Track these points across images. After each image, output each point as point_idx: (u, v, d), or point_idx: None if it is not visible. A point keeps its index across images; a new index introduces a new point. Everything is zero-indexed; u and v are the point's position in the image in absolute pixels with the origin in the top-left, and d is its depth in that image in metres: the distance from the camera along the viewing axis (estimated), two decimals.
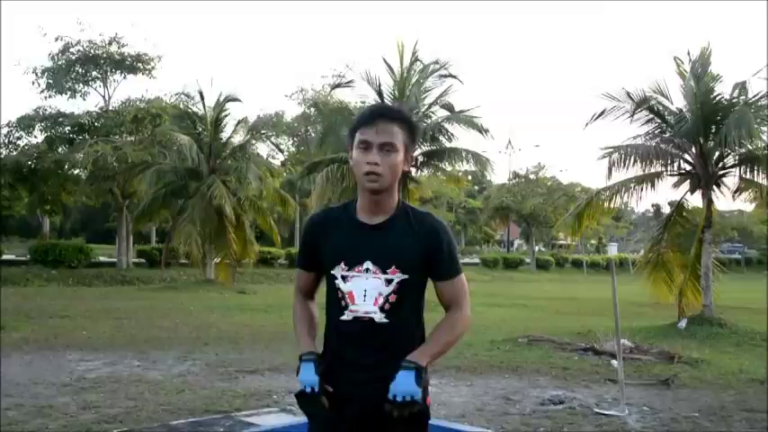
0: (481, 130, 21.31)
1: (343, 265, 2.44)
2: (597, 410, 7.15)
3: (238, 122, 29.62)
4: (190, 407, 6.94)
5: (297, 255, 2.76)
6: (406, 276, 2.41)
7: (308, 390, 2.41)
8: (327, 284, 2.52)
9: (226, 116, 28.74)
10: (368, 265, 2.41)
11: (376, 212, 2.46)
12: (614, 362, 9.45)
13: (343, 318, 2.44)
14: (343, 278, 2.44)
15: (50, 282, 26.49)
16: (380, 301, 2.40)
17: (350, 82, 22.71)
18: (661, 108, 16.47)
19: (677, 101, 16.38)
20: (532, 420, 6.72)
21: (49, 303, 18.62)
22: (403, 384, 2.28)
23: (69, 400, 7.14)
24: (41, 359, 9.72)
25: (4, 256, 30.49)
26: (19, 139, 32.88)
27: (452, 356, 10.59)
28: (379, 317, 2.40)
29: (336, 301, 2.47)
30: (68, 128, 32.49)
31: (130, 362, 9.65)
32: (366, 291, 2.41)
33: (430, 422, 2.50)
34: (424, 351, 2.40)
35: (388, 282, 2.40)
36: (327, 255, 2.49)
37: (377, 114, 2.44)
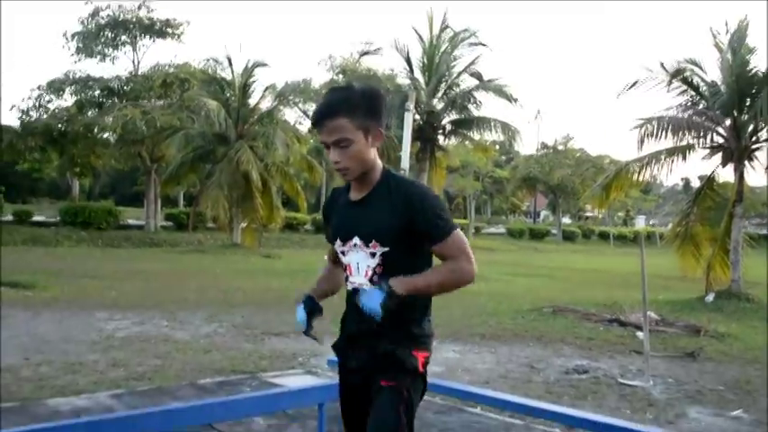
0: (510, 99, 21.18)
1: (339, 241, 2.58)
2: (621, 381, 7.13)
3: (266, 88, 29.61)
4: (217, 366, 7.03)
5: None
6: (387, 249, 2.46)
7: (300, 327, 2.61)
8: None
9: (254, 82, 28.80)
10: (356, 240, 2.51)
11: (360, 190, 2.54)
12: (640, 333, 9.41)
13: (348, 288, 2.59)
14: (342, 252, 2.57)
15: (80, 243, 26.85)
16: (369, 273, 2.49)
17: (378, 49, 22.65)
18: (695, 80, 16.23)
19: (712, 73, 16.14)
20: (556, 388, 6.73)
21: (79, 264, 18.90)
22: (368, 299, 2.38)
23: (99, 357, 7.26)
24: (71, 317, 9.86)
25: (35, 218, 30.92)
26: (49, 102, 33.13)
27: (477, 324, 10.64)
28: (369, 287, 2.49)
29: (343, 273, 2.63)
30: (98, 92, 32.69)
31: (158, 322, 9.78)
32: (358, 263, 2.52)
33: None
34: (406, 281, 2.40)
35: (372, 255, 2.48)
36: (331, 232, 2.65)
37: (319, 116, 2.45)
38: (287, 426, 4.97)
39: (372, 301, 2.36)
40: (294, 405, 4.93)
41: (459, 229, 2.50)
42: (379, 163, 2.54)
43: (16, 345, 7.69)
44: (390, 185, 2.49)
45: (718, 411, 6.11)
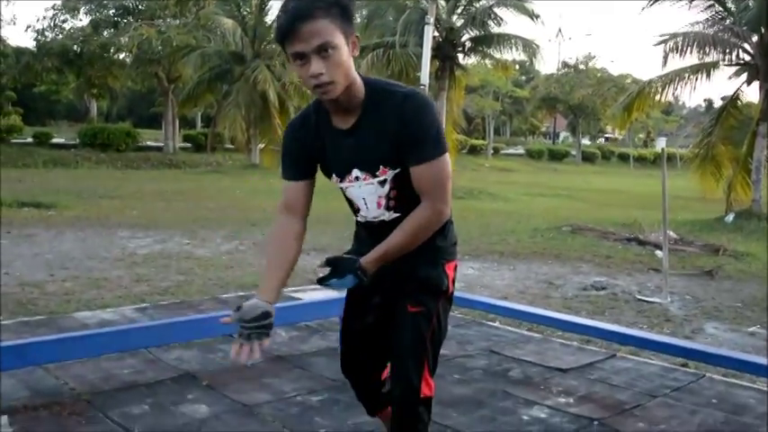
0: (531, 16, 20.75)
1: (335, 176, 2.30)
2: (639, 297, 7.18)
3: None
4: (238, 282, 7.13)
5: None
6: (398, 170, 2.19)
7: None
8: None
9: None
10: (356, 173, 2.23)
11: (346, 114, 2.19)
12: (658, 252, 9.43)
13: (359, 219, 2.39)
14: (342, 189, 2.32)
15: (99, 164, 27.02)
16: (383, 202, 2.26)
17: None
18: None
19: None
20: (574, 304, 6.78)
21: (99, 185, 19.07)
22: (340, 286, 2.22)
23: (123, 273, 7.38)
24: (94, 236, 9.99)
25: (54, 140, 31.06)
26: (64, 22, 32.87)
27: (495, 242, 10.71)
28: (388, 216, 2.28)
29: (347, 203, 2.40)
30: (112, 11, 32.35)
31: (180, 240, 9.89)
32: (365, 198, 2.27)
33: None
34: (374, 256, 2.20)
35: (382, 183, 2.22)
36: (321, 165, 2.33)
37: (295, 19, 1.99)
38: (308, 337, 5.06)
39: (344, 286, 2.22)
40: (315, 317, 5.03)
41: (447, 155, 2.18)
42: (358, 78, 2.15)
43: (41, 262, 7.84)
44: (376, 100, 2.16)
45: (735, 327, 6.15)
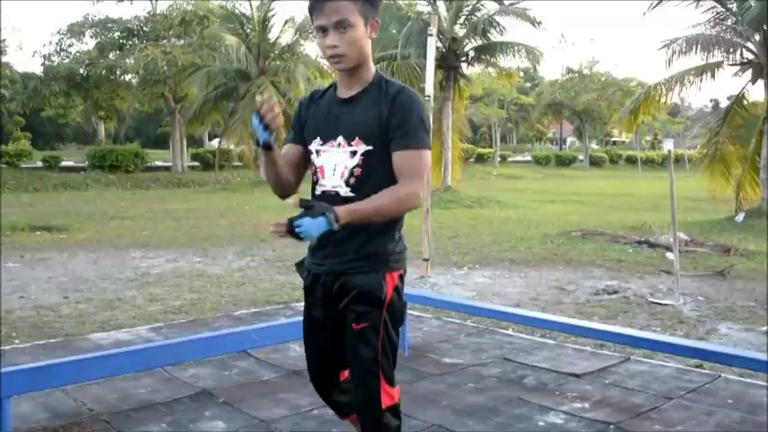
0: (534, 23, 20.76)
1: (319, 139, 2.46)
2: (651, 300, 7.17)
3: (285, 22, 29.34)
4: (251, 298, 7.17)
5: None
6: (370, 147, 2.35)
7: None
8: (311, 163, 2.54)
9: (273, 16, 28.51)
10: (340, 139, 2.40)
11: (351, 87, 2.43)
12: (669, 254, 9.42)
13: (316, 191, 2.46)
14: (317, 152, 2.45)
15: (109, 186, 27.16)
16: (346, 174, 2.37)
17: None
18: None
19: None
20: (586, 309, 6.78)
21: (110, 206, 19.16)
22: (310, 227, 2.15)
23: (136, 293, 7.43)
24: (106, 257, 10.05)
25: (63, 163, 31.25)
26: (70, 46, 33.16)
27: (506, 250, 10.71)
28: (344, 190, 2.38)
29: (312, 178, 2.51)
30: (117, 33, 32.58)
31: (191, 258, 9.94)
32: (335, 165, 2.40)
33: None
34: (352, 208, 2.23)
35: (353, 154, 2.36)
36: (308, 130, 2.51)
37: None
38: None
39: (314, 229, 2.14)
40: None
41: (427, 152, 2.36)
42: (372, 64, 2.44)
43: (55, 284, 7.89)
44: (383, 86, 2.39)
45: (749, 327, 6.13)
